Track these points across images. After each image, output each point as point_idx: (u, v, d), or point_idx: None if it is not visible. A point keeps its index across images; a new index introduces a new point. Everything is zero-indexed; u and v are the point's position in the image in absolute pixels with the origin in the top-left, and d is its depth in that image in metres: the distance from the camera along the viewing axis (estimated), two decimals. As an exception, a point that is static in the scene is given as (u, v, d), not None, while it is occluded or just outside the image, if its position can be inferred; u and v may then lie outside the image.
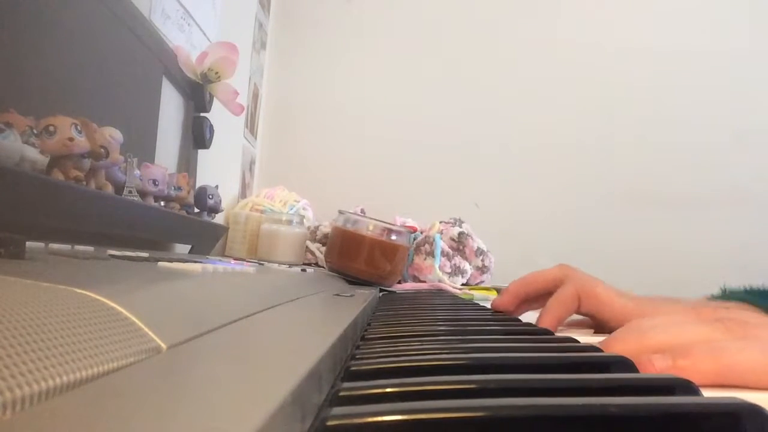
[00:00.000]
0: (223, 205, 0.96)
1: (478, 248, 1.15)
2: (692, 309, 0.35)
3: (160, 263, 0.38)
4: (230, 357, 0.19)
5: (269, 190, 1.24)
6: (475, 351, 0.28)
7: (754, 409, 0.16)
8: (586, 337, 0.34)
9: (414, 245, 1.10)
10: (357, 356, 0.26)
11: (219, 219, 1.05)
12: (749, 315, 0.34)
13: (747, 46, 1.48)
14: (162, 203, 0.73)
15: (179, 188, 0.77)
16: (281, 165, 1.49)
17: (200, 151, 0.96)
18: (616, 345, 0.31)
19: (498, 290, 0.77)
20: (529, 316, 0.52)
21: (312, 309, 0.39)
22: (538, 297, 0.53)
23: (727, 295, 0.51)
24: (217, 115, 0.96)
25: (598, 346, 0.31)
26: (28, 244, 0.27)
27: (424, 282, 1.09)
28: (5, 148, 0.39)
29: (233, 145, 1.29)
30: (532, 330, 0.39)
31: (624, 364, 0.24)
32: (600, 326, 0.50)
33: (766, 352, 0.27)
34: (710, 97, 1.48)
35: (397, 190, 1.47)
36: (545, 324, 0.47)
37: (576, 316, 0.51)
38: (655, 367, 0.26)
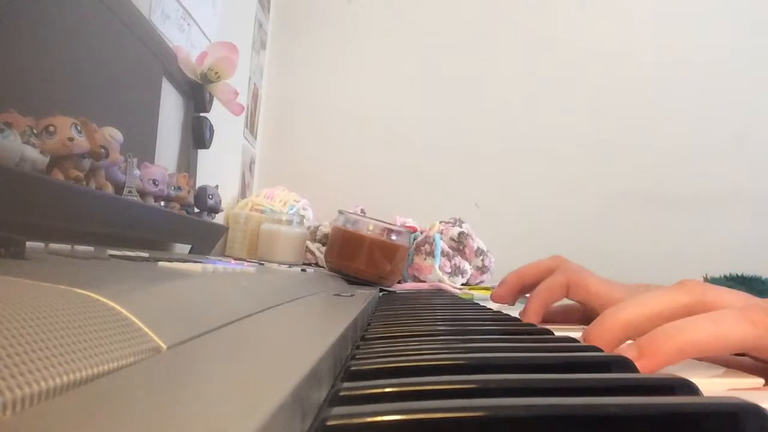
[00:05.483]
0: (223, 205, 0.96)
1: (478, 248, 1.15)
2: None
3: (160, 263, 0.38)
4: (230, 357, 0.19)
5: (269, 190, 1.24)
6: (474, 351, 0.28)
7: (754, 409, 0.16)
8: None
9: (414, 245, 1.10)
10: (357, 356, 0.26)
11: (219, 219, 1.05)
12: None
13: (747, 46, 1.48)
14: (162, 203, 0.73)
15: (179, 188, 0.76)
16: (281, 165, 1.49)
17: (200, 151, 0.96)
18: (593, 330, 0.33)
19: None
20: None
21: (312, 309, 0.39)
22: (534, 287, 0.53)
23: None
24: (217, 115, 0.96)
25: (579, 338, 0.33)
26: (28, 244, 0.27)
27: (424, 282, 1.09)
28: (5, 148, 0.39)
29: (233, 145, 1.29)
30: (532, 330, 0.38)
31: (624, 363, 0.24)
32: (591, 314, 0.51)
33: (718, 322, 0.29)
34: (710, 97, 1.48)
35: (397, 190, 1.47)
36: (531, 307, 0.49)
37: (567, 301, 0.52)
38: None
